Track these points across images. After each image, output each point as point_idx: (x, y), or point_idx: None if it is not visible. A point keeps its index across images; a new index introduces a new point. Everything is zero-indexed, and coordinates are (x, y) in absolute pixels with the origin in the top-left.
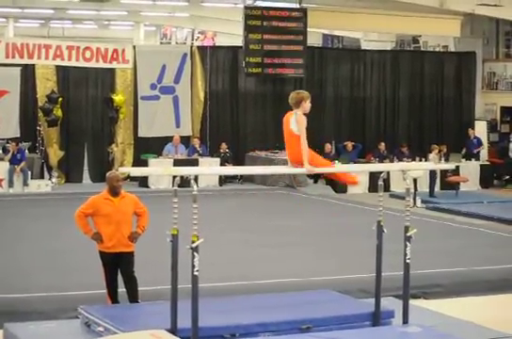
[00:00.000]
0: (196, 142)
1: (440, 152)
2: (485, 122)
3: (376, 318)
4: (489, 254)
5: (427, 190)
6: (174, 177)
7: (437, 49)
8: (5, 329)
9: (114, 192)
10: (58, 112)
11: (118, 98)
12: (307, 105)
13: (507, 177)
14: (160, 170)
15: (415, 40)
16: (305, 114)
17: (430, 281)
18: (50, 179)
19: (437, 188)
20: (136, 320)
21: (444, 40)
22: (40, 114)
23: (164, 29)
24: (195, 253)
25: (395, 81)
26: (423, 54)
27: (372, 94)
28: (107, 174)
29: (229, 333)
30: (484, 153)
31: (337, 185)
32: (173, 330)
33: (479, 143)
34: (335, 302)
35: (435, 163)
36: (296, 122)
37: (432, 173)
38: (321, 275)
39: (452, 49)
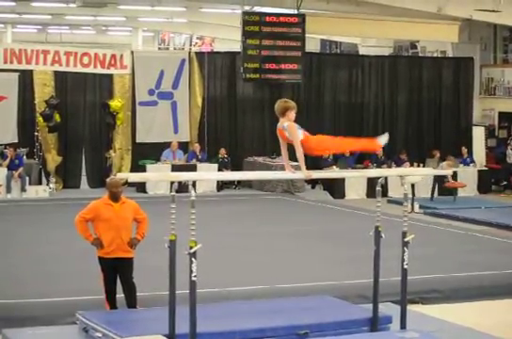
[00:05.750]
0: (196, 147)
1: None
2: (483, 128)
3: (374, 324)
4: (487, 260)
5: (425, 196)
6: (172, 183)
7: (435, 54)
8: (3, 334)
9: (114, 198)
10: (57, 117)
11: (113, 103)
12: (292, 115)
13: (505, 182)
14: (159, 176)
15: (413, 45)
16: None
17: (428, 286)
18: (48, 185)
19: (435, 194)
20: (134, 326)
21: (442, 45)
22: (39, 119)
23: (162, 35)
24: (193, 259)
25: (393, 86)
26: (420, 59)
27: (370, 100)
28: (108, 180)
29: None
30: (482, 158)
31: (335, 190)
32: (171, 336)
33: (471, 162)
34: (333, 308)
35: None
36: (289, 134)
37: (437, 178)
38: (319, 280)
39: (450, 54)
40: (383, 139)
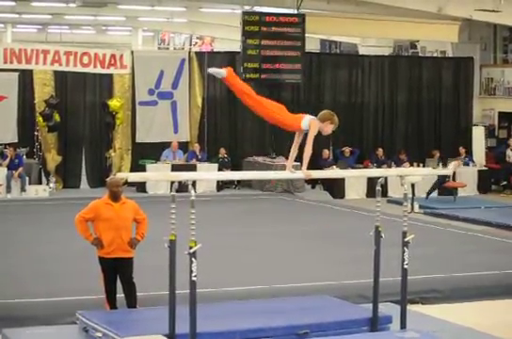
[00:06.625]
0: (196, 147)
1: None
2: (482, 128)
3: (374, 324)
4: (487, 259)
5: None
6: (172, 182)
7: (434, 54)
8: (3, 334)
9: (114, 197)
10: (57, 117)
11: (112, 103)
12: (328, 128)
13: (505, 182)
14: (159, 176)
15: (413, 45)
16: (319, 133)
17: (428, 286)
18: (48, 184)
19: (434, 194)
20: (134, 326)
21: (442, 45)
22: (39, 119)
23: (162, 35)
24: (193, 259)
25: (393, 86)
26: (420, 59)
27: (370, 100)
28: (108, 179)
29: None
30: (481, 158)
31: (335, 190)
32: (171, 336)
33: (470, 161)
34: (333, 308)
35: (453, 169)
36: (308, 126)
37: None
38: (319, 280)
39: (450, 54)
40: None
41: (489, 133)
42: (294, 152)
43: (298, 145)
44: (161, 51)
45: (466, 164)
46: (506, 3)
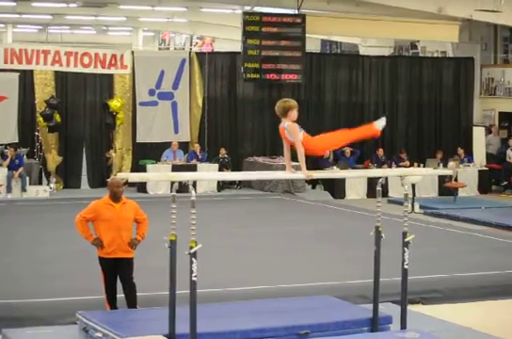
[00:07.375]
0: (196, 148)
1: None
2: (483, 128)
3: (375, 324)
4: (488, 260)
5: (425, 196)
6: (172, 183)
7: (435, 55)
8: (3, 334)
9: (115, 197)
10: (57, 117)
11: (113, 104)
12: (294, 115)
13: (505, 182)
14: (159, 176)
15: (413, 45)
16: (294, 121)
17: (428, 286)
18: (48, 185)
19: (435, 194)
20: (134, 326)
21: (442, 45)
22: (39, 119)
23: (162, 35)
24: (193, 259)
25: (394, 86)
26: (421, 59)
27: (370, 100)
28: (108, 180)
29: None
30: (482, 158)
31: (335, 190)
32: (171, 336)
33: (469, 162)
34: (333, 308)
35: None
36: (289, 134)
37: None
38: (319, 280)
39: (450, 55)
40: (380, 123)
41: (490, 133)
42: (287, 151)
43: (290, 144)
44: (161, 51)
45: (464, 164)
46: (506, 3)
